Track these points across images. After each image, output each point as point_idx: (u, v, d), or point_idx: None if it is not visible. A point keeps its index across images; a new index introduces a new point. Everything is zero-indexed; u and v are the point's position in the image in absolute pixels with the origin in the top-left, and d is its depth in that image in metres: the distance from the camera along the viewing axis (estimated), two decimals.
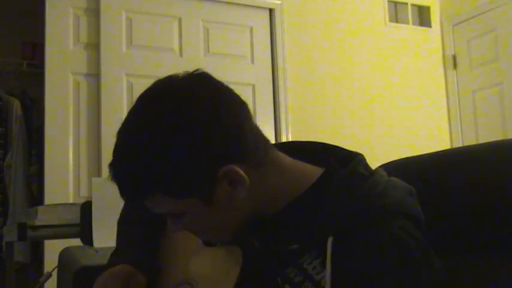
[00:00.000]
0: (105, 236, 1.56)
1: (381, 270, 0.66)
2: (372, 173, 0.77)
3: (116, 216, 1.62)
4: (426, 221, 0.76)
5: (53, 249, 2.22)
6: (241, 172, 0.71)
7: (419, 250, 0.68)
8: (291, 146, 0.85)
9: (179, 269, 0.90)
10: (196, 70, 0.76)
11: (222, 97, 0.74)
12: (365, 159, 0.79)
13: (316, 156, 0.81)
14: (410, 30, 3.97)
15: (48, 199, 2.79)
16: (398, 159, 1.00)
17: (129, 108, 0.80)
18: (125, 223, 1.03)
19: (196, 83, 0.74)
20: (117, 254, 0.94)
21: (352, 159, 0.78)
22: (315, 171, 0.78)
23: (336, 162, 0.78)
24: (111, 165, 0.74)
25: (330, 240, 0.70)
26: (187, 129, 0.70)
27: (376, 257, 0.67)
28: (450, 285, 0.74)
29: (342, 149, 0.83)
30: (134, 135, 0.72)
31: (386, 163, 0.98)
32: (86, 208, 1.63)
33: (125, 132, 0.74)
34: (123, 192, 0.74)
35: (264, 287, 0.77)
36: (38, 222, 1.74)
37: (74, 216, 1.72)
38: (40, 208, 1.82)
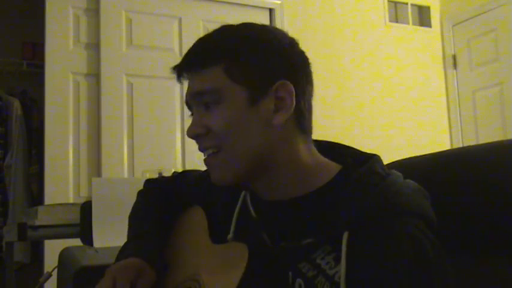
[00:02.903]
0: (105, 236, 1.56)
1: (396, 266, 0.66)
2: (388, 173, 0.77)
3: (116, 216, 1.62)
4: None
5: (53, 249, 2.22)
6: (292, 99, 0.77)
7: (434, 250, 0.68)
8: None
9: (186, 266, 0.90)
10: None
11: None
12: (381, 160, 0.80)
13: (333, 154, 0.83)
14: (410, 30, 3.97)
15: (48, 199, 2.79)
16: (400, 159, 1.00)
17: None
18: (136, 218, 1.03)
19: None
20: (128, 247, 0.94)
21: (369, 159, 0.79)
22: (334, 167, 0.80)
23: (352, 161, 0.80)
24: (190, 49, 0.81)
25: (345, 235, 0.70)
26: (274, 35, 0.80)
27: (392, 253, 0.67)
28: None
29: (359, 150, 0.84)
30: (221, 27, 0.82)
31: (390, 163, 0.98)
32: (86, 208, 1.63)
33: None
34: (191, 58, 0.80)
35: (274, 281, 0.77)
36: (38, 222, 1.73)
37: (74, 216, 1.71)
38: (40, 208, 1.82)
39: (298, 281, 0.74)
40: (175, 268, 0.93)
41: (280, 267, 0.77)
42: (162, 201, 1.04)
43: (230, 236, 0.85)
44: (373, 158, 0.79)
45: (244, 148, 0.77)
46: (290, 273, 0.75)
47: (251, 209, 0.85)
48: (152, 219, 1.00)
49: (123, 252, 0.93)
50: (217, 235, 0.88)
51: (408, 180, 0.78)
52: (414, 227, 0.69)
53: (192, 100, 0.81)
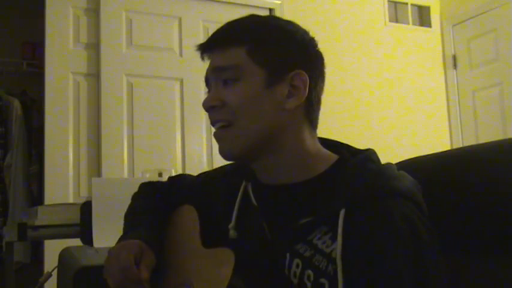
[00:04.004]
0: (105, 236, 1.56)
1: (391, 242, 0.69)
2: (381, 163, 0.82)
3: (116, 216, 1.62)
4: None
5: (53, 249, 2.21)
6: (306, 89, 0.82)
7: (427, 232, 0.71)
8: None
9: (179, 270, 0.91)
10: None
11: None
12: (376, 153, 0.84)
13: (331, 148, 0.87)
14: (410, 30, 3.97)
15: (48, 199, 2.79)
16: (402, 161, 1.00)
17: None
18: (132, 214, 1.05)
19: None
20: (125, 236, 0.95)
21: (365, 152, 0.83)
22: (332, 157, 0.84)
23: (349, 154, 0.84)
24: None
25: (342, 212, 0.73)
26: (297, 29, 0.86)
27: (387, 229, 0.69)
28: (451, 286, 0.74)
29: (355, 147, 0.88)
30: (250, 15, 0.90)
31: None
32: (86, 208, 1.63)
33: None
34: (218, 37, 0.85)
35: (270, 266, 0.79)
36: (38, 222, 1.73)
37: (74, 216, 1.71)
38: (40, 208, 1.82)
39: (296, 260, 0.76)
40: (168, 271, 0.93)
41: (276, 250, 0.79)
42: (157, 201, 1.06)
43: (232, 224, 0.88)
44: (369, 151, 0.84)
45: (255, 126, 0.81)
46: (287, 255, 0.77)
47: (252, 197, 0.87)
48: (148, 214, 1.01)
49: (120, 241, 0.93)
50: (216, 230, 0.90)
51: (402, 171, 0.81)
52: (408, 208, 0.72)
53: (212, 75, 0.85)
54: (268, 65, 0.82)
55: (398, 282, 0.67)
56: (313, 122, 0.86)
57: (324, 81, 0.88)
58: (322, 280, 0.72)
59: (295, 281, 0.75)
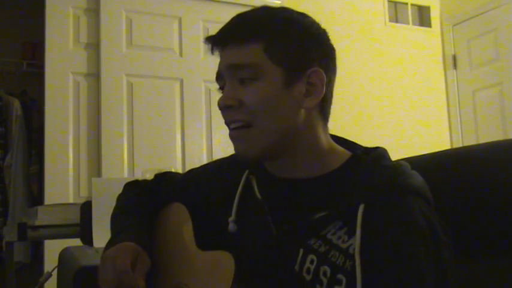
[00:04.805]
0: (105, 236, 1.56)
1: (412, 239, 0.69)
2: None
3: None
4: None
5: (53, 249, 2.22)
6: (323, 87, 0.80)
7: (442, 231, 0.72)
8: None
9: (171, 273, 0.88)
10: None
11: None
12: (387, 152, 0.84)
13: (342, 144, 0.87)
14: (410, 30, 3.97)
15: (48, 199, 2.79)
16: (400, 159, 1.00)
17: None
18: (119, 215, 1.01)
19: None
20: (116, 239, 0.90)
21: (377, 149, 0.83)
22: (346, 153, 0.84)
23: (361, 151, 0.84)
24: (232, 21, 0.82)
25: (361, 207, 0.72)
26: (312, 22, 0.83)
27: (408, 226, 0.70)
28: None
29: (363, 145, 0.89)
30: (262, 7, 0.84)
31: None
32: (86, 208, 1.63)
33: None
34: (231, 31, 0.81)
35: (281, 262, 0.77)
36: (38, 222, 1.74)
37: (74, 216, 1.71)
38: (40, 208, 1.82)
39: (310, 256, 0.75)
40: (160, 273, 0.90)
41: (284, 245, 0.78)
42: (144, 200, 1.02)
43: (232, 218, 0.86)
44: (380, 149, 0.84)
45: (274, 126, 0.79)
46: (301, 250, 0.76)
47: (256, 191, 0.85)
48: (136, 215, 0.98)
49: (111, 243, 0.89)
50: (212, 227, 0.88)
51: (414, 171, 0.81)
52: (424, 206, 0.73)
53: (227, 72, 0.82)
54: (286, 63, 0.79)
55: (420, 279, 0.67)
56: (326, 117, 0.85)
57: (336, 75, 0.86)
58: (340, 276, 0.72)
59: (308, 277, 0.74)
